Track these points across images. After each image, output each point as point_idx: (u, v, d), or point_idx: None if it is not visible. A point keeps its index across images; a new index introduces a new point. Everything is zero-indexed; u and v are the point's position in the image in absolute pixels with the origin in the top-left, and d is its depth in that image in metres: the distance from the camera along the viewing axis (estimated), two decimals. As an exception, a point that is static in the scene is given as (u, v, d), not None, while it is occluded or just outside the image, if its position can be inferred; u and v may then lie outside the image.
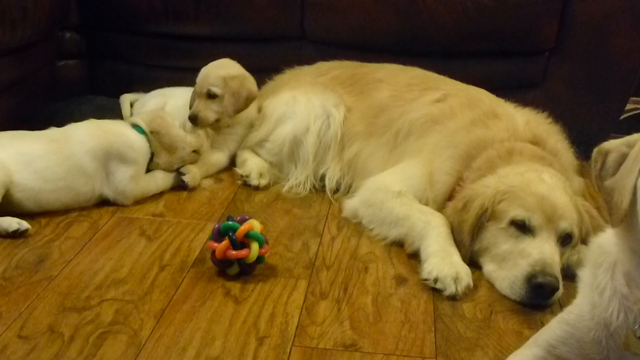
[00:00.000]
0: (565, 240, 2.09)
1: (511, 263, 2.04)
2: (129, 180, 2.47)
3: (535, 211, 2.05)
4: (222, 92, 2.75)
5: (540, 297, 1.96)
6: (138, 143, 2.51)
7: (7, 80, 2.76)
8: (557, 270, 1.99)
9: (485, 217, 2.12)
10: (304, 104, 2.79)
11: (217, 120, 2.79)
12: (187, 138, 2.63)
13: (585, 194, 2.53)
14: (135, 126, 2.56)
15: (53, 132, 2.47)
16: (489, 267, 2.12)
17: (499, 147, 2.27)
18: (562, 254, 2.08)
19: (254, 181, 2.72)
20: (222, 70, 2.78)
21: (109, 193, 2.47)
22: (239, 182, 2.75)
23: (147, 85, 3.12)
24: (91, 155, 2.41)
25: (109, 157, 2.44)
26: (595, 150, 1.44)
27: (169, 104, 2.88)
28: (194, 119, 2.75)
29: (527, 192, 2.08)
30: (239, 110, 2.80)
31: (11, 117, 2.59)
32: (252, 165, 2.77)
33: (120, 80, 3.30)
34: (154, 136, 2.54)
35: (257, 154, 2.86)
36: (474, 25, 2.99)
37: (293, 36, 3.17)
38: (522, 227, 2.06)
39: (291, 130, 2.78)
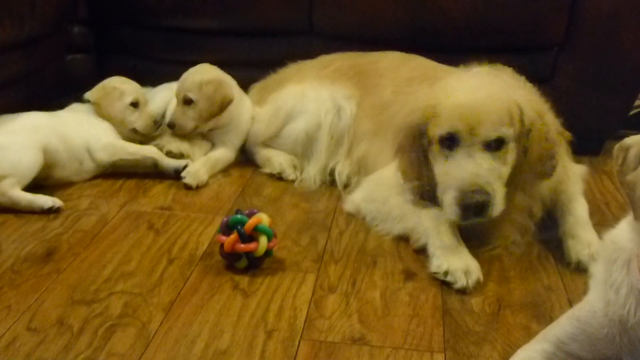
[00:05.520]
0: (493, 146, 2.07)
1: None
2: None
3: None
4: (196, 97, 2.73)
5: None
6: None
7: (15, 74, 2.76)
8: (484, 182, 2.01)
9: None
10: (313, 99, 2.77)
11: (196, 127, 2.78)
12: (127, 117, 2.79)
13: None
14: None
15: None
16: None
17: None
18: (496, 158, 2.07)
19: (292, 175, 2.75)
20: (198, 76, 2.77)
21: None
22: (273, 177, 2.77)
23: (154, 79, 3.13)
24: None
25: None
26: (617, 146, 1.42)
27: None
28: (172, 126, 2.78)
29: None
30: (213, 116, 2.78)
31: (20, 111, 2.61)
32: (282, 161, 2.78)
33: (128, 74, 3.28)
34: (96, 107, 2.78)
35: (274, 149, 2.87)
36: (483, 19, 2.98)
37: (301, 30, 3.16)
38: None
39: (303, 127, 2.78)
